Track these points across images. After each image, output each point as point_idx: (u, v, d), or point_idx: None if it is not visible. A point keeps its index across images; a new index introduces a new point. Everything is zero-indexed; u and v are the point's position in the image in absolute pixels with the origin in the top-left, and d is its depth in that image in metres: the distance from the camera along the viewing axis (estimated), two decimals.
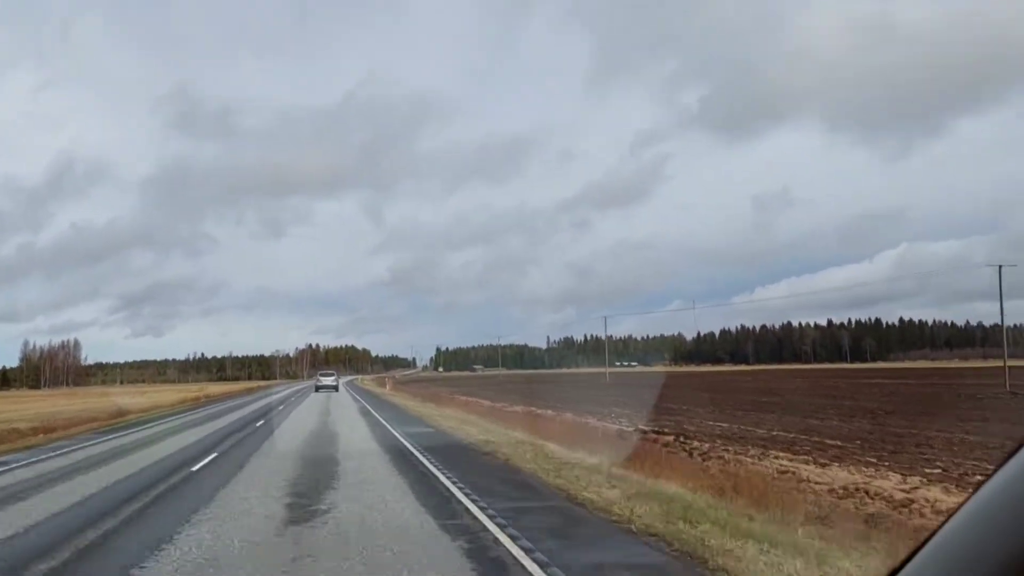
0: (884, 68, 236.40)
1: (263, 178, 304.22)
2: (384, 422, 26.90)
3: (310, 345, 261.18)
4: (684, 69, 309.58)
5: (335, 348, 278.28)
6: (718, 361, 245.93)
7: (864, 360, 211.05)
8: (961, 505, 1.07)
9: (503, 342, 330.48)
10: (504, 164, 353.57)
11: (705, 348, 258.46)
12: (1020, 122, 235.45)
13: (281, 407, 39.66)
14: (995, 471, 1.04)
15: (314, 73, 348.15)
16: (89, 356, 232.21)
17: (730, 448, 21.35)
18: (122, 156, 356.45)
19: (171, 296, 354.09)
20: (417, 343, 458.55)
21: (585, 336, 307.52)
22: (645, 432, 25.23)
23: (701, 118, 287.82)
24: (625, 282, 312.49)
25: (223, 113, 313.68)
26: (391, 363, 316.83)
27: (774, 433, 26.38)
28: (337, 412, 34.48)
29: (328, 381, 62.58)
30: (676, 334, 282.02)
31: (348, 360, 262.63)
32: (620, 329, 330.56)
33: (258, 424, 27.06)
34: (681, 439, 23.54)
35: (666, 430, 26.77)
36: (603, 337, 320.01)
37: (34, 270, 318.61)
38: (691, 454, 19.78)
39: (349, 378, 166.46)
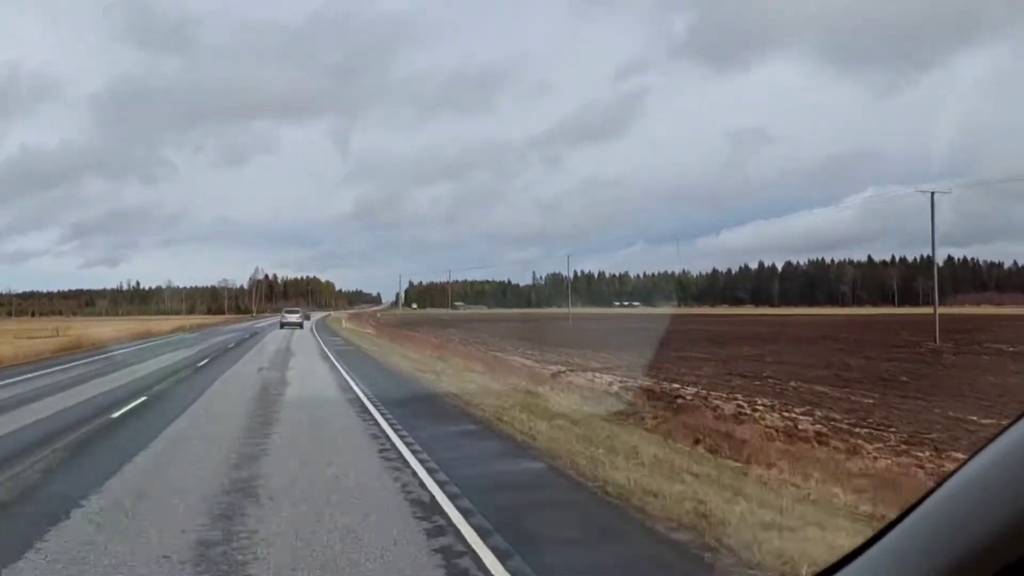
0: None
1: (224, 100, 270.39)
2: None
3: (266, 276, 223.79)
4: None
5: (295, 279, 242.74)
6: (737, 302, 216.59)
7: (915, 303, 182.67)
8: (950, 475, 1.05)
9: (480, 278, 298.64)
10: (479, 93, 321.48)
11: (719, 287, 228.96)
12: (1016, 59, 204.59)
13: None
14: (988, 443, 1.01)
15: None
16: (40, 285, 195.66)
17: None
18: (72, 71, 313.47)
19: (123, 225, 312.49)
20: (383, 278, 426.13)
21: (576, 272, 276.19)
22: None
23: (688, 48, 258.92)
24: (611, 217, 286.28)
25: (180, 25, 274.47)
26: (355, 298, 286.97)
27: None
28: None
29: (293, 318, 64.37)
30: (681, 271, 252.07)
31: (310, 293, 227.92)
32: (594, 266, 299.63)
33: None
34: None
35: None
36: (596, 275, 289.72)
37: None
38: None
39: (321, 315, 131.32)
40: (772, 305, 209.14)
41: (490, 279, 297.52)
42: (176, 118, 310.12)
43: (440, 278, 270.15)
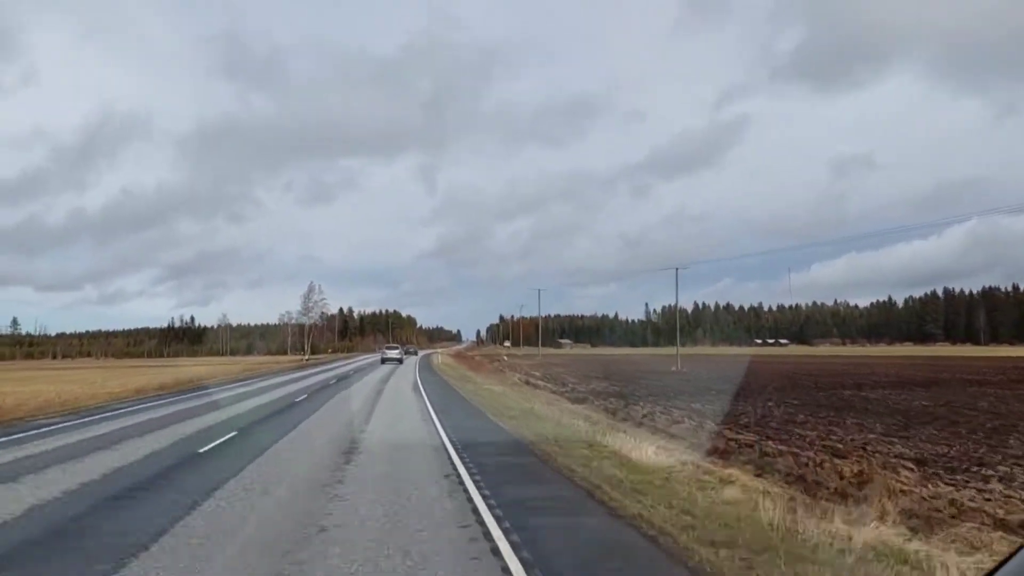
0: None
1: (312, 136, 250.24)
2: None
3: (341, 309, 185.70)
4: (782, 9, 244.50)
5: (372, 314, 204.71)
6: (925, 338, 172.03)
7: None
8: None
9: (570, 312, 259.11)
10: (572, 123, 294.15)
11: (893, 320, 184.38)
12: None
13: None
14: None
15: (374, 13, 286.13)
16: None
17: None
18: (166, 109, 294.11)
19: (208, 265, 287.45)
20: (463, 314, 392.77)
21: (696, 304, 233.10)
22: None
23: (791, 70, 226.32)
24: (704, 250, 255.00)
25: (270, 60, 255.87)
26: (435, 335, 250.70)
27: None
28: None
29: (393, 354, 70.92)
30: (836, 302, 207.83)
31: (390, 328, 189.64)
32: (698, 296, 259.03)
33: None
34: None
35: None
36: (723, 307, 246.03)
37: (80, 235, 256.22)
38: None
39: (425, 353, 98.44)
40: (977, 343, 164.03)
41: (582, 314, 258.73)
42: (264, 155, 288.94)
43: (525, 313, 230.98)
